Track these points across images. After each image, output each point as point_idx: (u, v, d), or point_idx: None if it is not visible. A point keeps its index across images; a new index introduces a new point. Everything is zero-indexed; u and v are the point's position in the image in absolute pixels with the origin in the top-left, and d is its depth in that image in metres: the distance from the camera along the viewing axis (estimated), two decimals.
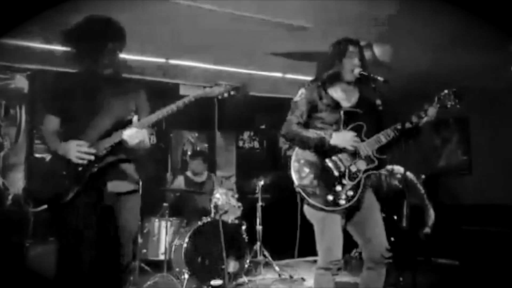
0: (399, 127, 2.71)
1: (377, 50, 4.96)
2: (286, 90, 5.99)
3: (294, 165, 2.72)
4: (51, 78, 2.63)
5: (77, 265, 2.34)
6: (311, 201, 2.65)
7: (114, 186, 2.49)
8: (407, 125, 2.72)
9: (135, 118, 2.46)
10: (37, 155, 2.63)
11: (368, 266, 2.73)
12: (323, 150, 2.69)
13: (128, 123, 2.46)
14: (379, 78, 2.71)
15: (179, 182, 5.66)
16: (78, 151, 2.38)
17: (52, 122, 2.57)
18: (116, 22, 2.55)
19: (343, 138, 2.68)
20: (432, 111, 2.72)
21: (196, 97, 2.49)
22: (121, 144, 2.43)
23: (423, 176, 5.65)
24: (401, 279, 4.32)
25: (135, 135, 2.39)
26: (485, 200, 5.71)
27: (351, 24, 4.23)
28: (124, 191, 2.54)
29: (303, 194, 2.67)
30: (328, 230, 2.67)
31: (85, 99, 2.49)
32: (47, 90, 2.63)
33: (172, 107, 2.46)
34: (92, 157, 2.40)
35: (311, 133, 2.70)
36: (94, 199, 2.42)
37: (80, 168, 2.40)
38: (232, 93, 2.51)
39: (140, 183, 2.74)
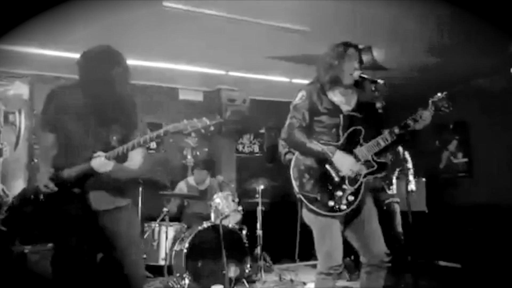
0: (396, 130, 2.70)
1: (377, 53, 4.95)
2: (285, 94, 5.99)
3: (294, 171, 2.71)
4: (48, 94, 2.60)
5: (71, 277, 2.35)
6: (312, 207, 2.64)
7: (96, 203, 2.48)
8: (405, 128, 2.70)
9: (100, 153, 2.40)
10: (36, 160, 2.62)
11: (367, 270, 2.72)
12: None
13: (108, 149, 2.44)
14: (378, 80, 2.70)
15: (181, 187, 5.65)
16: (45, 182, 2.41)
17: (48, 139, 2.57)
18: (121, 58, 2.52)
19: (345, 162, 2.66)
20: (427, 114, 2.71)
21: (167, 132, 2.30)
22: (92, 172, 2.41)
23: (423, 179, 5.65)
24: (402, 286, 4.31)
25: (102, 165, 2.37)
26: (486, 203, 5.70)
27: (350, 27, 4.24)
28: (109, 208, 2.51)
29: (304, 200, 2.66)
30: (328, 235, 2.65)
31: (81, 119, 2.48)
32: (44, 107, 2.61)
33: (139, 140, 2.36)
34: (56, 189, 2.41)
35: (314, 145, 2.68)
36: (76, 216, 2.43)
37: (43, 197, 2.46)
38: (211, 128, 2.30)
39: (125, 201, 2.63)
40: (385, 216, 4.59)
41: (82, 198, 2.46)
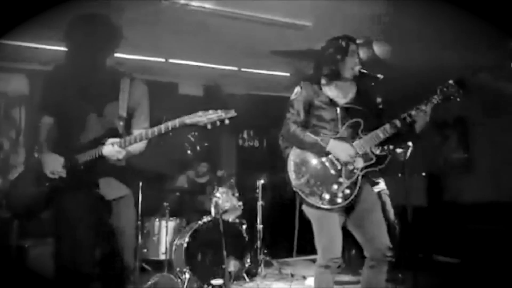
0: (397, 122, 2.68)
1: (377, 48, 4.94)
2: (286, 89, 5.98)
3: (291, 164, 2.72)
4: (44, 76, 2.59)
5: (74, 267, 2.34)
6: (308, 200, 2.65)
7: (105, 192, 2.47)
8: (407, 119, 2.66)
9: (113, 140, 2.38)
10: (36, 155, 2.60)
11: (370, 265, 2.71)
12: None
13: (114, 133, 2.42)
14: (378, 75, 2.69)
15: (181, 181, 5.66)
16: (52, 168, 2.40)
17: (46, 122, 2.56)
18: (109, 20, 2.50)
19: (339, 148, 2.66)
20: (432, 104, 2.66)
21: (182, 123, 2.27)
22: (103, 158, 2.40)
23: (423, 174, 5.66)
24: (400, 275, 4.31)
25: (114, 153, 2.35)
26: (486, 198, 5.71)
27: (351, 22, 4.22)
28: (113, 198, 2.51)
29: (300, 193, 2.67)
30: (326, 228, 2.66)
31: (78, 99, 2.46)
32: (41, 88, 2.59)
33: (154, 130, 2.33)
34: (64, 175, 2.41)
35: (308, 137, 2.70)
36: (85, 204, 2.41)
37: (49, 183, 2.44)
38: (226, 121, 2.27)
39: (129, 190, 2.64)
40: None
41: (91, 186, 2.44)
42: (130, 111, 2.54)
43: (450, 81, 2.69)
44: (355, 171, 2.68)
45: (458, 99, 2.68)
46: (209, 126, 2.25)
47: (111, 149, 2.34)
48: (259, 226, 5.37)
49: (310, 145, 2.69)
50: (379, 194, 4.68)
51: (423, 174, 5.82)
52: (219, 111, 2.25)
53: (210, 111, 2.26)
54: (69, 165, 2.40)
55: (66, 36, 2.46)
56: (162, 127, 2.30)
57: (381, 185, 4.74)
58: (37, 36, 4.55)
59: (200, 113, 2.26)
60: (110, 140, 2.36)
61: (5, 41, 4.54)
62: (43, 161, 2.44)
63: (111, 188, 2.50)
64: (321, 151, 2.68)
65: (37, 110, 2.66)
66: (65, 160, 2.41)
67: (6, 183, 4.92)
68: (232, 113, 2.26)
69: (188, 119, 2.26)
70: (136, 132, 2.49)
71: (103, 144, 2.37)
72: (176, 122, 2.27)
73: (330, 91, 2.79)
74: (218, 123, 2.24)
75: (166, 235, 4.83)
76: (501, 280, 4.37)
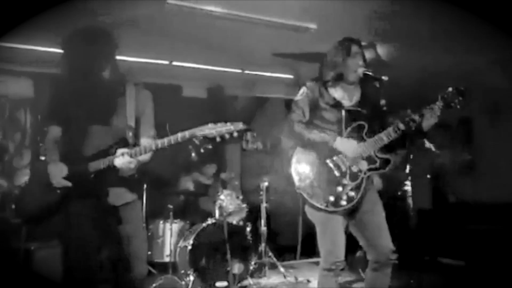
0: (401, 126, 2.67)
1: (380, 50, 4.94)
2: (290, 91, 5.98)
3: (295, 166, 2.72)
4: (51, 86, 2.62)
5: (82, 272, 2.35)
6: (312, 202, 2.64)
7: (113, 198, 2.50)
8: (411, 124, 2.66)
9: (123, 150, 2.40)
10: (42, 158, 2.62)
11: (373, 267, 2.71)
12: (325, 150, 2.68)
13: (123, 144, 2.45)
14: (382, 77, 2.69)
15: (185, 184, 5.67)
16: (57, 180, 2.42)
17: (54, 131, 2.59)
18: (106, 29, 2.53)
19: (347, 145, 2.67)
20: (435, 110, 2.65)
21: (192, 135, 2.31)
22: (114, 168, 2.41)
23: (428, 176, 5.64)
24: (411, 281, 4.29)
25: (126, 164, 2.38)
26: (490, 199, 5.68)
27: (355, 25, 4.22)
28: (121, 203, 2.53)
29: (304, 195, 2.66)
30: (329, 231, 2.66)
31: (84, 108, 2.47)
32: (48, 98, 2.61)
33: (164, 141, 2.36)
34: (69, 184, 2.43)
35: (314, 135, 2.69)
36: (93, 211, 2.43)
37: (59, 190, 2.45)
38: (235, 135, 2.31)
39: (137, 195, 2.66)
40: (399, 213, 4.58)
41: (101, 194, 2.46)
42: (137, 119, 2.56)
43: (450, 89, 2.68)
44: (359, 173, 2.68)
45: (458, 107, 2.67)
46: (218, 139, 2.29)
47: (123, 160, 2.36)
48: (263, 228, 5.36)
49: (316, 142, 2.68)
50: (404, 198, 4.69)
51: (428, 176, 5.79)
52: (228, 124, 2.30)
53: (219, 124, 2.31)
54: (77, 174, 2.42)
55: (63, 50, 2.49)
56: (172, 138, 2.34)
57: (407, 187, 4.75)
58: (36, 38, 4.56)
59: (210, 125, 2.31)
60: (120, 151, 2.39)
61: (10, 43, 4.56)
62: (49, 171, 2.46)
63: (118, 194, 2.51)
64: (327, 148, 2.67)
65: (43, 119, 2.68)
66: (72, 169, 2.43)
67: (11, 186, 4.94)
68: (241, 126, 2.31)
69: (199, 131, 2.30)
70: (143, 140, 2.51)
71: (113, 153, 2.40)
72: (187, 133, 2.32)
73: (337, 92, 2.79)
74: (227, 136, 2.29)
75: (170, 237, 4.83)
76: (505, 283, 4.35)
